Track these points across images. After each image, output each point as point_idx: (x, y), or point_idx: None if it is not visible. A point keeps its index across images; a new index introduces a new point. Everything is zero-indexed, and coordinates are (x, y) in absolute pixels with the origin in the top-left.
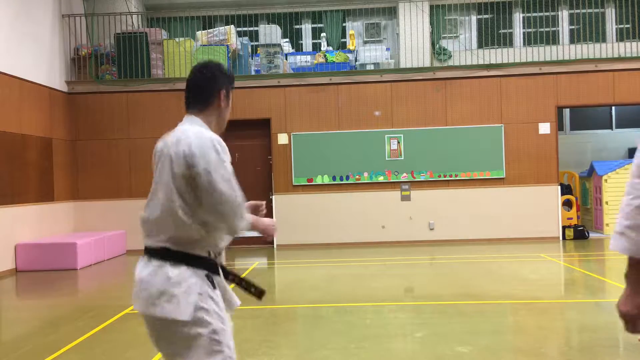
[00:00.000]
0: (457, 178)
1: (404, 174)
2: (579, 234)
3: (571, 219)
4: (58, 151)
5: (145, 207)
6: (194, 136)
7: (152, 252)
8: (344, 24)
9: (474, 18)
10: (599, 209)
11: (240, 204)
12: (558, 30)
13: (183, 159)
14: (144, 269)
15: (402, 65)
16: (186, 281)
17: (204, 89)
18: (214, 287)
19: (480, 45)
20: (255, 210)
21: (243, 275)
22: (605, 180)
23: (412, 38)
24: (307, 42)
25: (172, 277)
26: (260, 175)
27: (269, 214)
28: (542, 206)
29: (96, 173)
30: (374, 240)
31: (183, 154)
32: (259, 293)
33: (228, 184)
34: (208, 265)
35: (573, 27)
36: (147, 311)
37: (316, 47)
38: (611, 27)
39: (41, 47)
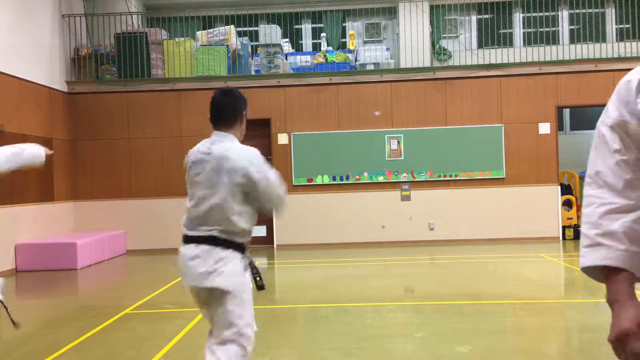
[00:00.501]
0: (457, 178)
1: (404, 174)
2: (579, 234)
3: (571, 219)
4: (58, 151)
5: (193, 205)
6: (242, 152)
7: (201, 240)
8: (344, 24)
9: (474, 18)
10: None
11: (285, 195)
12: (558, 30)
13: (241, 172)
14: (194, 252)
15: (402, 65)
16: (232, 261)
17: (230, 111)
18: (246, 268)
19: (480, 45)
20: None
21: None
22: None
23: (412, 38)
24: (307, 42)
25: (222, 258)
26: None
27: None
28: (542, 206)
29: (96, 173)
30: (374, 240)
31: (241, 168)
32: (259, 286)
33: (278, 184)
34: (243, 250)
35: (573, 27)
36: (201, 284)
37: (316, 47)
38: (611, 27)
39: (41, 47)
